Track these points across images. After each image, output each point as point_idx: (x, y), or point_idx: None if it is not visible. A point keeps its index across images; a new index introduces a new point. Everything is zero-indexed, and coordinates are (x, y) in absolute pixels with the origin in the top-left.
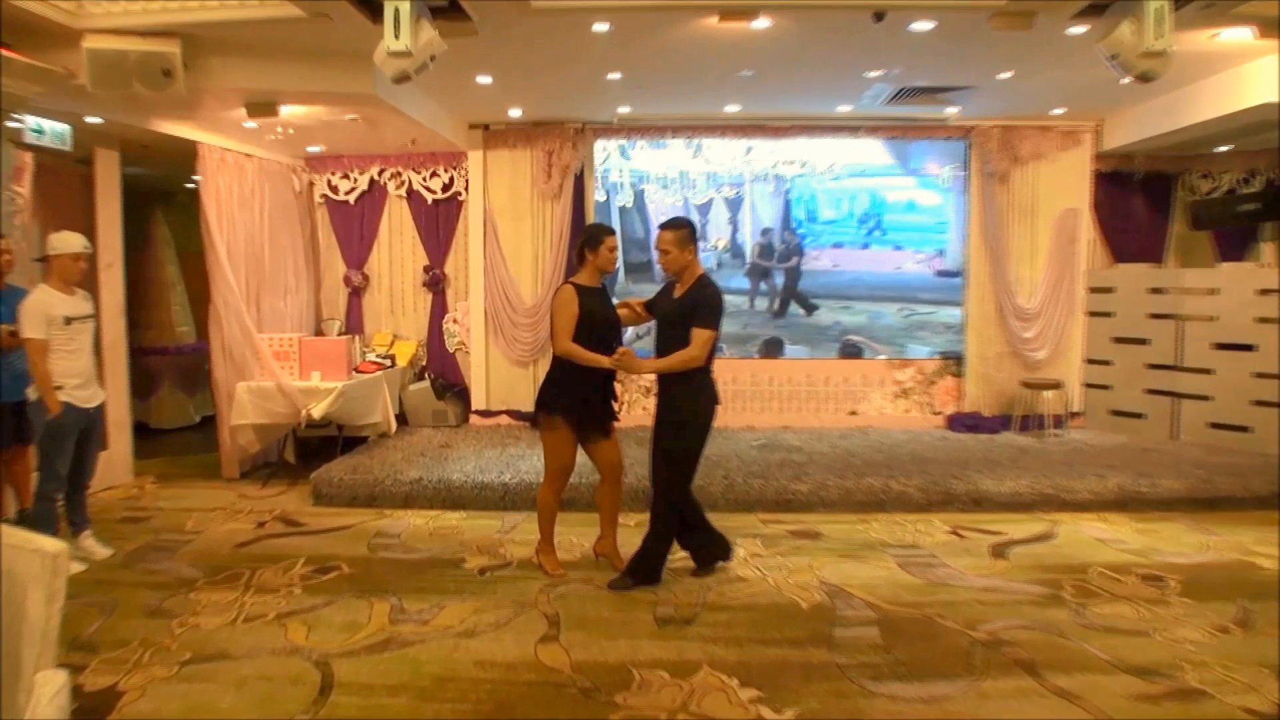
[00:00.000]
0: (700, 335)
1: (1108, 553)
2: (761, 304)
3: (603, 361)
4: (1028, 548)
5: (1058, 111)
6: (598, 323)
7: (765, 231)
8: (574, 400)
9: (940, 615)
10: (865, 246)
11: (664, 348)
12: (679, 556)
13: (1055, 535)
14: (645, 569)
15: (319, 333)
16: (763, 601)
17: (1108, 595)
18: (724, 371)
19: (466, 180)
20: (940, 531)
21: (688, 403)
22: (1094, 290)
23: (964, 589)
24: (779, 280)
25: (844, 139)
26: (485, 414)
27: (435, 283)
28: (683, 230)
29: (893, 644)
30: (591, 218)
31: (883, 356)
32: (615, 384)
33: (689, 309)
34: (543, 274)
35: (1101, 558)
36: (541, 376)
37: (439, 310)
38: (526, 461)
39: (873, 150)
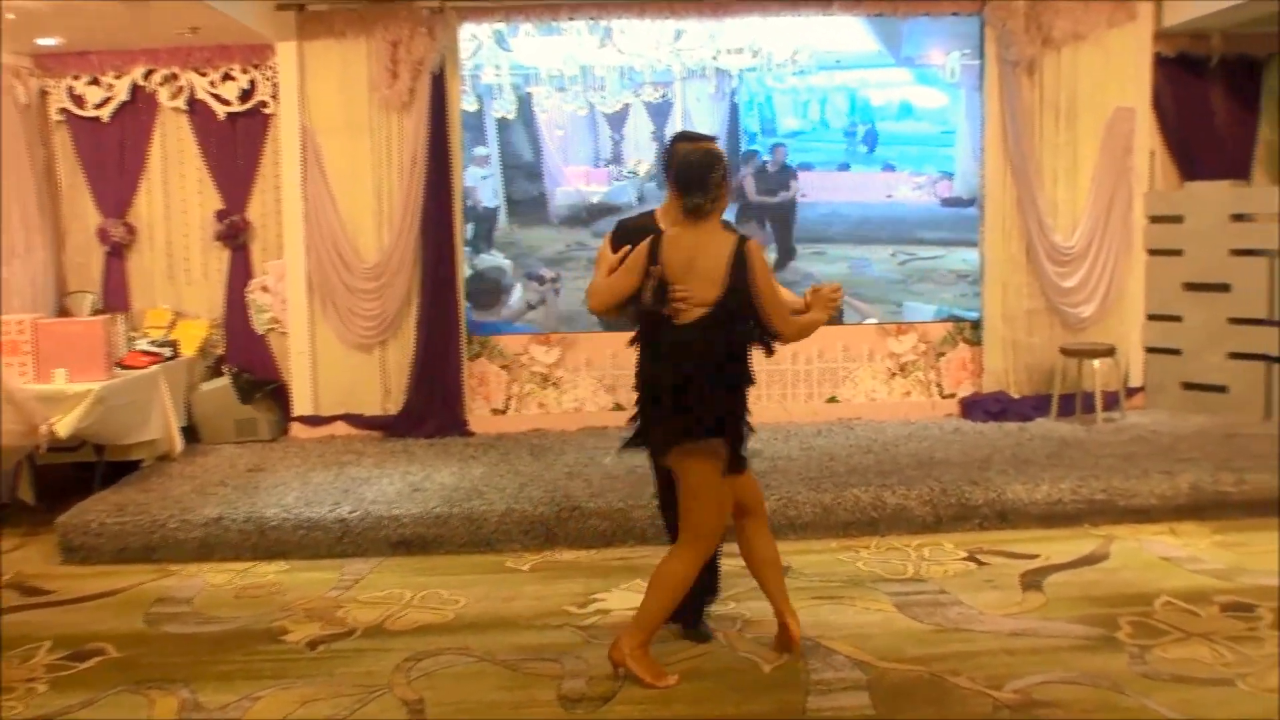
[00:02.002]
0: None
1: (1179, 576)
2: None
3: (820, 319)
4: (1072, 574)
5: None
6: None
7: (749, 156)
8: (742, 410)
9: (953, 672)
10: (843, 168)
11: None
12: (591, 610)
13: (1109, 556)
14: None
15: (64, 312)
16: (709, 666)
17: (1178, 633)
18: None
19: (275, 85)
20: (953, 558)
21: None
22: (1156, 220)
23: (986, 635)
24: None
25: (811, 17)
26: (313, 421)
27: (234, 234)
28: None
29: (889, 714)
30: (457, 132)
31: (871, 320)
32: None
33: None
34: (389, 217)
35: (1170, 583)
36: (395, 362)
37: (240, 274)
38: (374, 485)
39: (851, 33)
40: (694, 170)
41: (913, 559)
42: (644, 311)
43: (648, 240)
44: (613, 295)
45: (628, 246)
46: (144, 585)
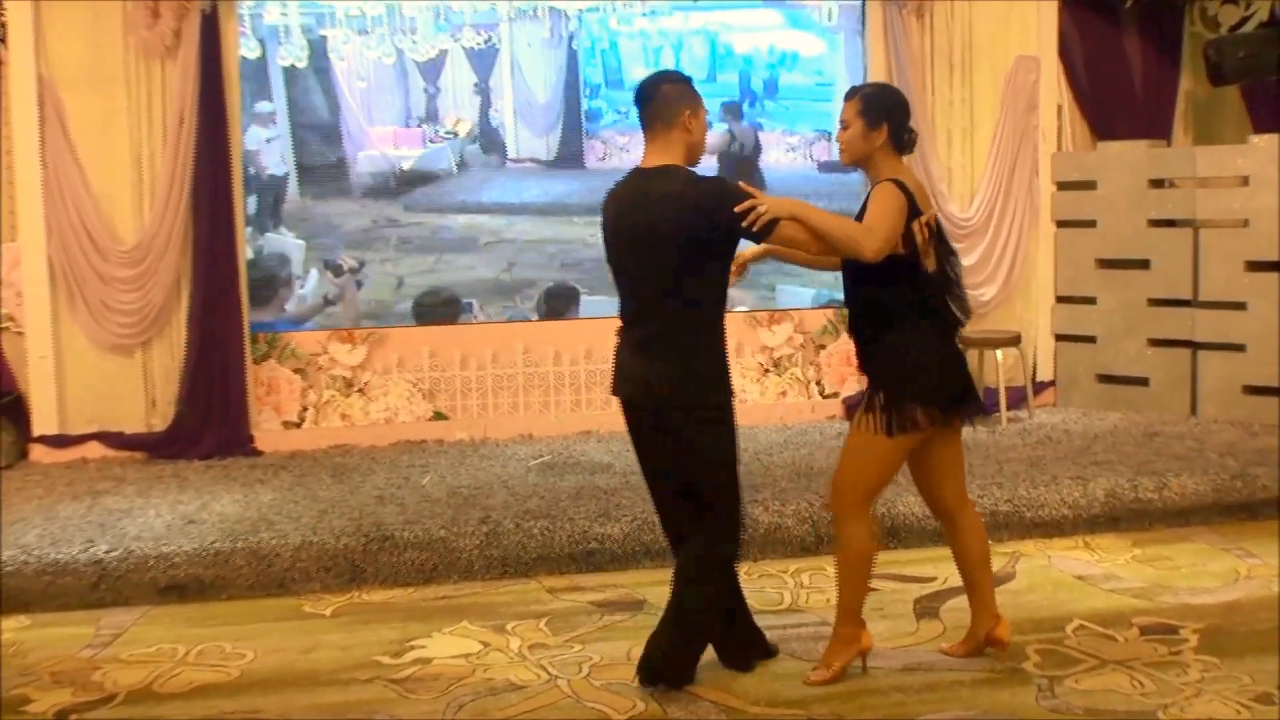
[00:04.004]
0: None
1: (1094, 596)
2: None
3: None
4: None
5: None
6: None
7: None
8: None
9: (838, 716)
10: None
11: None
12: (408, 660)
13: (1014, 576)
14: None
15: None
16: (553, 717)
17: (1093, 660)
18: (480, 344)
19: (3, 26)
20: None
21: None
22: (1065, 186)
23: (875, 671)
24: None
25: None
26: (59, 442)
27: None
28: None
29: None
30: (235, 85)
31: (740, 308)
32: None
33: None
34: (152, 189)
35: (1084, 604)
36: (161, 367)
37: None
38: (138, 518)
39: None
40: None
41: (790, 586)
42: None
43: (902, 187)
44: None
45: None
46: None
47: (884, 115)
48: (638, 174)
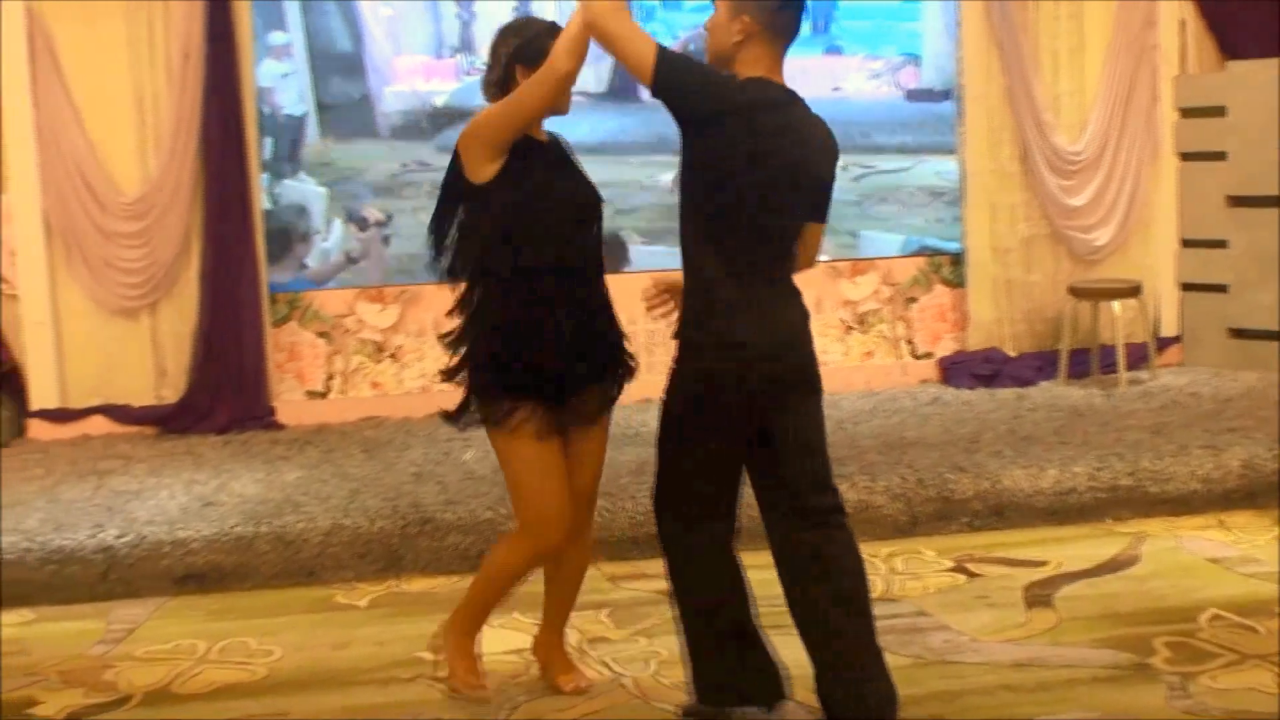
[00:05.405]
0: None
1: (1230, 582)
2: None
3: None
4: (1090, 585)
5: None
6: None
7: None
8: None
9: (938, 717)
10: None
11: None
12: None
13: (1138, 559)
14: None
15: None
16: None
17: (1231, 655)
18: None
19: None
20: (935, 569)
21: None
22: (1190, 113)
23: (980, 667)
24: None
25: None
26: (60, 416)
27: None
28: None
29: None
30: (246, 13)
31: (820, 258)
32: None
33: None
34: (156, 133)
35: (1219, 591)
36: (170, 332)
37: None
38: (149, 500)
39: None
40: None
41: (882, 572)
42: None
43: None
44: None
45: None
46: None
47: None
48: (795, 104)
